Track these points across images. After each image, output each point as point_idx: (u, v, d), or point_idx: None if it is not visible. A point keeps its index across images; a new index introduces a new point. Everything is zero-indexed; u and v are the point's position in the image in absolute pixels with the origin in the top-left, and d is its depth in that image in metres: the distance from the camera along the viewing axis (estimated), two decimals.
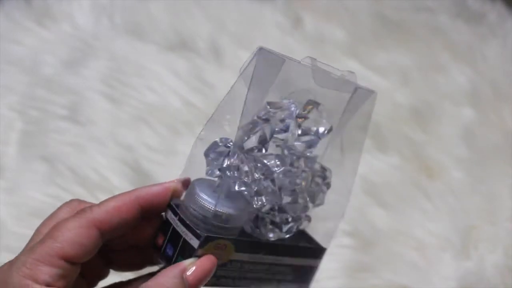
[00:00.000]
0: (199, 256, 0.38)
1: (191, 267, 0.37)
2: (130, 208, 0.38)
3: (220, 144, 0.41)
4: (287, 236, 0.42)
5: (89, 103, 0.83)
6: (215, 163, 0.40)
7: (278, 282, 0.43)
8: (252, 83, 0.39)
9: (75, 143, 0.79)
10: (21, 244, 0.73)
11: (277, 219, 0.41)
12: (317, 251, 0.44)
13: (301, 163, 0.42)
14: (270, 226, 0.41)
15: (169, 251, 0.39)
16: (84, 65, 0.87)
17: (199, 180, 0.40)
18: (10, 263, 0.37)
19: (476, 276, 0.71)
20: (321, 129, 0.42)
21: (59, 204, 0.77)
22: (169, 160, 0.77)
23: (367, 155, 0.80)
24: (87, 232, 0.37)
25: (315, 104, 0.42)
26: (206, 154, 0.41)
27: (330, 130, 0.42)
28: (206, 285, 0.38)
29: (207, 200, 0.38)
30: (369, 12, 0.96)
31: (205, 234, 0.37)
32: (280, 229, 0.41)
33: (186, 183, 0.41)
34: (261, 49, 0.39)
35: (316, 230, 0.45)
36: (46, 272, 0.35)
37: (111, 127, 0.81)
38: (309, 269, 0.44)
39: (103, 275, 0.43)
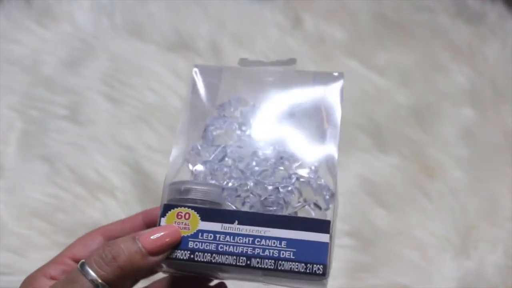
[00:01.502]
0: None
1: (153, 234, 0.39)
2: (134, 225, 0.45)
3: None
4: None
5: (89, 103, 0.83)
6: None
7: (275, 260, 0.39)
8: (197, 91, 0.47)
9: (75, 143, 0.79)
10: (21, 244, 0.73)
11: (241, 193, 0.42)
12: (317, 223, 0.40)
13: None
14: (233, 198, 0.42)
15: None
16: (84, 65, 0.87)
17: None
18: None
19: (476, 276, 0.71)
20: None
21: (59, 204, 0.77)
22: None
23: (367, 155, 0.80)
24: (91, 237, 0.44)
25: None
26: (186, 158, 0.45)
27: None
28: (184, 262, 0.39)
29: (175, 182, 0.43)
30: (369, 12, 0.96)
31: (163, 203, 0.41)
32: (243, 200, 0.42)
33: None
34: (197, 65, 0.48)
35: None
36: (55, 268, 0.42)
37: (111, 127, 0.81)
38: (317, 245, 0.39)
39: None
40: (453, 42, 0.93)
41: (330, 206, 0.42)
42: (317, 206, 0.42)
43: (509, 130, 0.85)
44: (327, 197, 0.43)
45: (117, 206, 0.74)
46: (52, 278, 0.42)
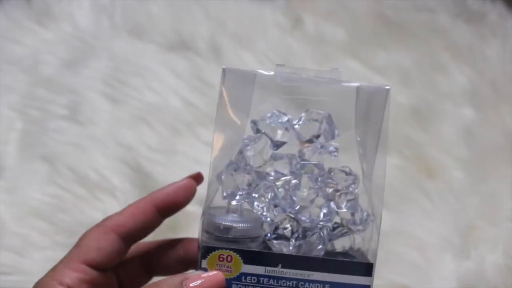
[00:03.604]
0: (205, 269, 0.39)
1: (197, 280, 0.38)
2: (145, 210, 0.43)
3: (231, 166, 0.42)
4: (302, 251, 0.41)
5: (89, 103, 0.83)
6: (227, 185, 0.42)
7: None
8: (226, 105, 0.43)
9: (75, 143, 0.79)
10: (21, 244, 0.73)
11: (286, 232, 0.41)
12: (360, 266, 0.40)
13: (309, 172, 0.42)
14: (279, 241, 0.41)
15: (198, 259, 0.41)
16: (84, 65, 0.87)
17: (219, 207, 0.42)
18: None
19: (476, 276, 0.71)
20: (322, 133, 0.43)
21: (59, 204, 0.77)
22: (169, 160, 0.77)
23: None
24: (105, 237, 0.41)
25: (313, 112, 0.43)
26: (218, 177, 0.42)
27: (332, 134, 0.43)
28: None
29: (212, 215, 0.41)
30: (369, 12, 0.96)
31: (203, 245, 0.39)
32: (288, 241, 0.41)
33: (197, 177, 0.44)
34: (225, 69, 0.42)
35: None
36: (69, 276, 0.40)
37: (111, 127, 0.80)
38: None
39: (143, 283, 0.45)
40: (453, 42, 0.93)
41: (373, 231, 0.42)
42: (355, 230, 0.42)
43: (509, 130, 0.85)
44: (366, 224, 0.42)
45: (117, 206, 0.74)
46: (69, 287, 0.40)
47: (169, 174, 0.76)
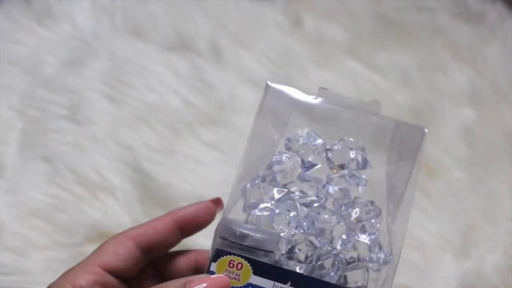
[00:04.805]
0: (213, 272, 0.39)
1: (201, 283, 0.37)
2: (166, 225, 0.43)
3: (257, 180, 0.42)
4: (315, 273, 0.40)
5: (89, 103, 0.83)
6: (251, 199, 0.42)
7: None
8: (264, 119, 0.42)
9: (75, 143, 0.79)
10: (21, 244, 0.73)
11: (300, 254, 0.40)
12: None
13: (332, 196, 0.42)
14: (292, 261, 0.40)
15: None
16: (84, 65, 0.87)
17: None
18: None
19: (476, 276, 0.71)
20: (354, 160, 0.43)
21: (59, 204, 0.77)
22: (169, 160, 0.77)
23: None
24: (122, 243, 0.42)
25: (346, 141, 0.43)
26: (243, 190, 0.42)
27: (364, 164, 0.43)
28: None
29: (229, 221, 0.40)
30: (369, 12, 0.96)
31: (216, 247, 0.39)
32: (301, 264, 0.40)
33: (216, 201, 0.45)
34: (268, 85, 0.42)
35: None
36: (84, 278, 0.40)
37: (111, 127, 0.80)
38: None
39: None
40: (453, 42, 0.93)
41: (389, 271, 0.42)
42: (371, 267, 0.42)
43: (509, 130, 0.85)
44: (381, 261, 0.42)
45: (117, 206, 0.74)
46: None
47: (169, 174, 0.76)
